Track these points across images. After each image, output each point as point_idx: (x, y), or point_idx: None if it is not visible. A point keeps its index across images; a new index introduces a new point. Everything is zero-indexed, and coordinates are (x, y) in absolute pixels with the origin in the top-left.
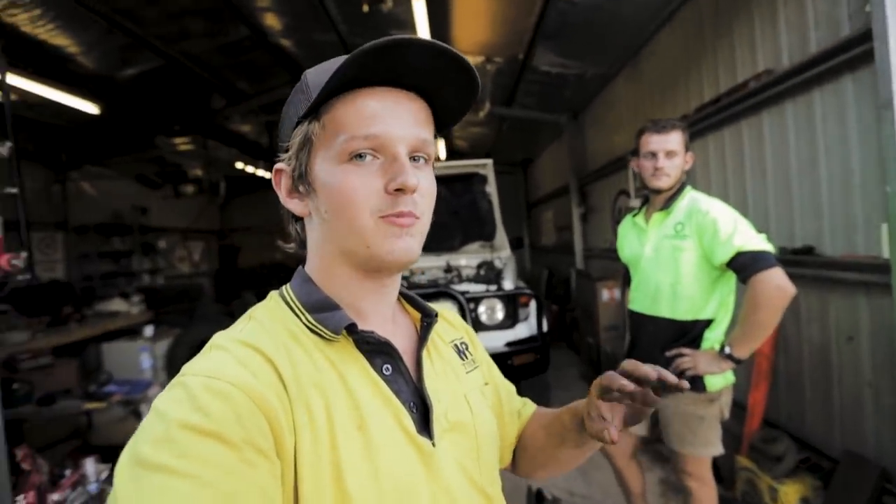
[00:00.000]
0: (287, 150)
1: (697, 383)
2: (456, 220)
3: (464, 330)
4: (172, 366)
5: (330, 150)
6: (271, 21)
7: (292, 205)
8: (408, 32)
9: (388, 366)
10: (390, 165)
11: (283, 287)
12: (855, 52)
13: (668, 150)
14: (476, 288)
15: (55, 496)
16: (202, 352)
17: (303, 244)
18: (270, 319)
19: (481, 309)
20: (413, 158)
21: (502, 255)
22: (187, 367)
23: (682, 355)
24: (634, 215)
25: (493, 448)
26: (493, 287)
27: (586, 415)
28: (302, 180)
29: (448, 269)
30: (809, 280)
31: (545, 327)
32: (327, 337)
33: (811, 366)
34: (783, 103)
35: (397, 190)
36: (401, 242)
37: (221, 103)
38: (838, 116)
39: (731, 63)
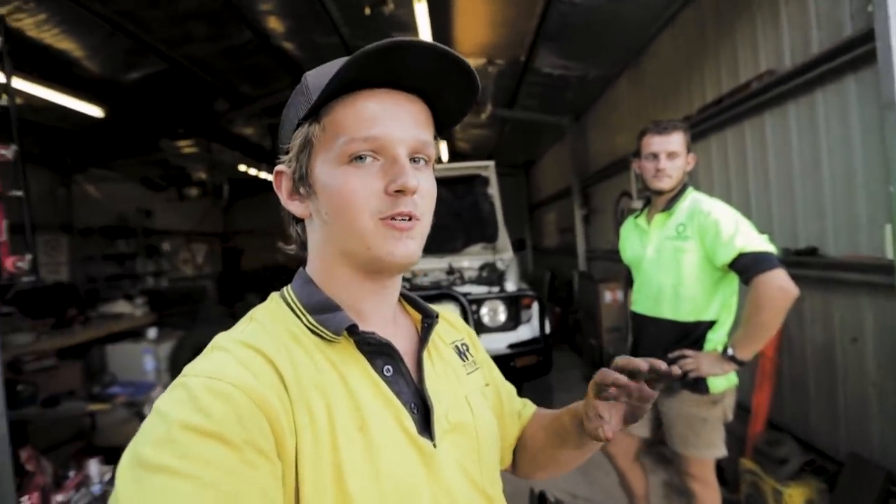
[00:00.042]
0: (287, 153)
1: (700, 385)
2: (458, 221)
3: (464, 331)
4: (176, 368)
5: (330, 152)
6: (274, 24)
7: (293, 207)
8: (410, 35)
9: (389, 367)
10: (390, 167)
11: (284, 288)
12: (857, 52)
13: (669, 152)
14: (478, 290)
15: (59, 497)
16: (203, 353)
17: (304, 246)
18: (271, 321)
19: (483, 311)
20: (413, 160)
21: (504, 256)
22: (188, 368)
23: (684, 357)
24: (636, 217)
25: (494, 449)
26: (496, 289)
27: (584, 415)
28: (302, 182)
29: (450, 271)
30: (813, 281)
31: (548, 329)
32: (328, 338)
33: (815, 367)
34: (786, 104)
35: (397, 191)
36: (401, 244)
37: (225, 106)
38: (841, 117)
39: (734, 64)
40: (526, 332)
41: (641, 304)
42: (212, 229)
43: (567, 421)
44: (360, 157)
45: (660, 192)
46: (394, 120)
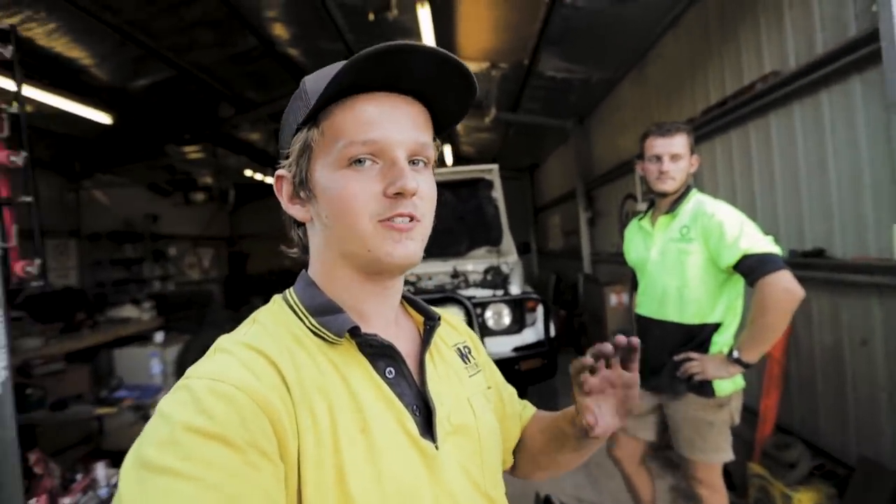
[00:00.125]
0: (288, 157)
1: (706, 388)
2: (462, 225)
3: (466, 334)
4: (182, 371)
5: (329, 155)
6: (279, 31)
7: (294, 210)
8: (413, 40)
9: (391, 369)
10: (389, 170)
11: (287, 291)
12: (862, 52)
13: (672, 154)
14: (483, 293)
15: (66, 500)
16: (206, 355)
17: (305, 249)
18: (274, 323)
19: (488, 314)
20: (412, 162)
21: (509, 260)
22: (192, 370)
23: (689, 360)
24: (640, 219)
25: (496, 451)
26: (500, 292)
27: (575, 413)
28: (303, 186)
29: (455, 275)
30: (821, 283)
31: (553, 332)
32: (330, 340)
33: (824, 370)
34: (790, 105)
35: (397, 194)
36: (400, 245)
37: (230, 112)
38: (847, 117)
39: (738, 65)
40: (531, 335)
41: (646, 306)
42: (218, 233)
43: (564, 424)
44: (359, 161)
45: (663, 195)
46: (392, 123)
